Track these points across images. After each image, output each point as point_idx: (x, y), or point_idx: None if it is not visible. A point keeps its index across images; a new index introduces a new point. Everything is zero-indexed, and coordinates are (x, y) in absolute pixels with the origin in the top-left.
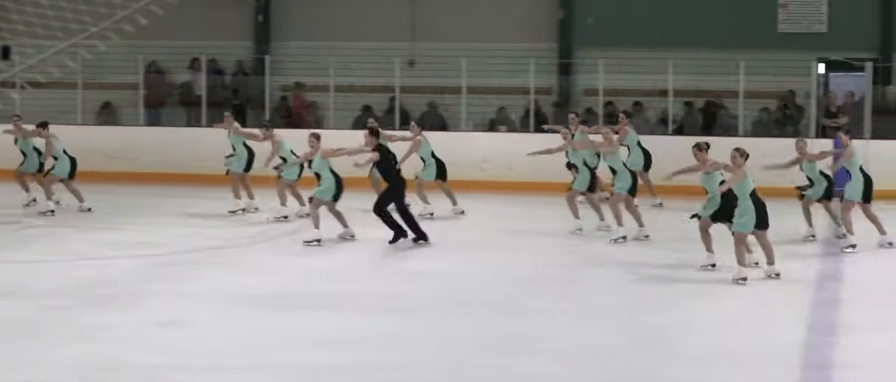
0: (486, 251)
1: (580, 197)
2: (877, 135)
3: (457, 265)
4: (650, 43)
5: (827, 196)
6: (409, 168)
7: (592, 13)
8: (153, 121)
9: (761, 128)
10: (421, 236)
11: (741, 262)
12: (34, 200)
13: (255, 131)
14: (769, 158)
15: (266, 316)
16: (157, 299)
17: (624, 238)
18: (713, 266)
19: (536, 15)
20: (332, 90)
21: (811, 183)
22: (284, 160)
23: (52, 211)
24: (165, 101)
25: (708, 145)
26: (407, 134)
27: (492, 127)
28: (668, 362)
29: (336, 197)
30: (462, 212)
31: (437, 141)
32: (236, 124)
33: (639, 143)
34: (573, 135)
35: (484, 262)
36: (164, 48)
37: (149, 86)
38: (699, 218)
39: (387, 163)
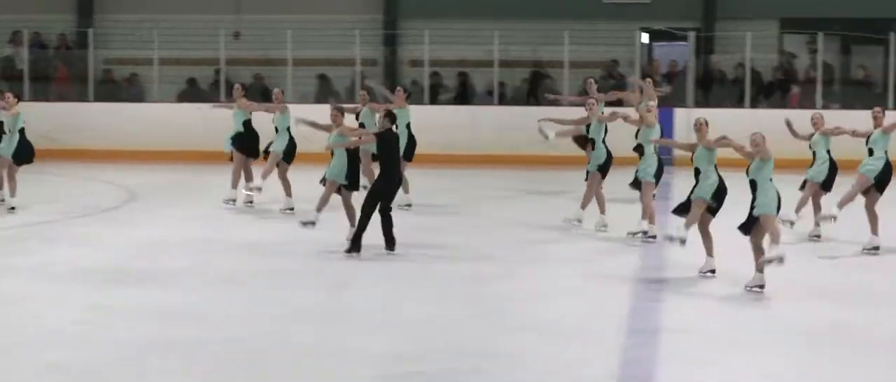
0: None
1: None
2: (700, 103)
3: (288, 236)
4: (476, 13)
5: (826, 184)
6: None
7: None
8: None
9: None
10: (389, 244)
11: (775, 238)
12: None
13: (268, 105)
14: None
15: (99, 290)
16: None
17: (654, 236)
18: (713, 272)
19: None
20: (157, 63)
21: (813, 160)
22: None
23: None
24: None
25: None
26: (389, 103)
27: (317, 99)
28: (498, 331)
29: (350, 184)
30: (409, 205)
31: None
32: (244, 99)
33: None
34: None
35: (314, 234)
36: None
37: None
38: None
39: (386, 150)
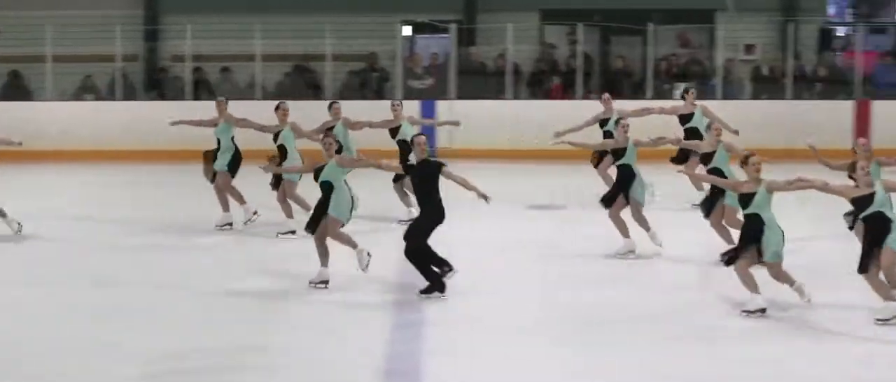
0: (96, 222)
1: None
2: (462, 95)
3: (73, 236)
4: (238, 7)
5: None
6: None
7: None
8: None
9: (349, 91)
10: (435, 286)
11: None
12: None
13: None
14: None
15: None
16: None
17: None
18: (763, 311)
19: None
20: None
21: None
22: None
23: None
24: None
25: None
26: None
27: (78, 96)
28: (268, 328)
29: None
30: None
31: (19, 111)
32: (229, 112)
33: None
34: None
35: (97, 232)
36: None
37: None
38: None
39: (426, 184)
